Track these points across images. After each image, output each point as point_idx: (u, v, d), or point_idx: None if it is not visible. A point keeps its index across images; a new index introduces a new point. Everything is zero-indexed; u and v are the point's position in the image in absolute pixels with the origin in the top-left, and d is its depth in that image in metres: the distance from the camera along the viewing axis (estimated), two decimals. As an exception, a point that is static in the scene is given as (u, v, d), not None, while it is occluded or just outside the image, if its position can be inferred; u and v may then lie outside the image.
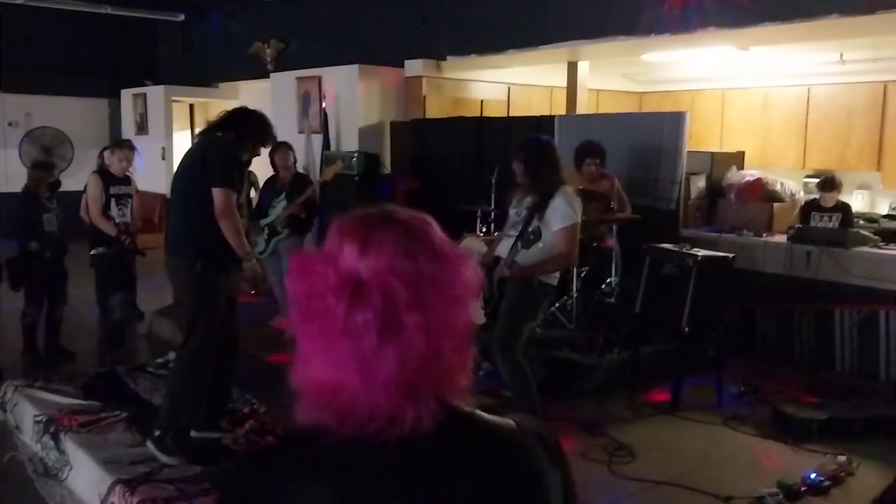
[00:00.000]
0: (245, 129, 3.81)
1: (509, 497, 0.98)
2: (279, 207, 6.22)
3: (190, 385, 3.71)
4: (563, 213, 4.04)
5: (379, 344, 0.91)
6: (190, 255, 3.67)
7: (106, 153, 6.01)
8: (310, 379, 0.95)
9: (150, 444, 3.64)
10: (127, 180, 5.87)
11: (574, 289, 5.47)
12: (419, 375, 0.92)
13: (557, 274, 4.31)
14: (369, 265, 0.92)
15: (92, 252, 5.71)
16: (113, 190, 5.68)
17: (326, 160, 8.08)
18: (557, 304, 5.49)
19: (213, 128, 3.85)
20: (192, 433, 3.83)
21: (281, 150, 6.30)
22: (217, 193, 3.59)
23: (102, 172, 5.82)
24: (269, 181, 6.55)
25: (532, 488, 1.00)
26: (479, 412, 1.01)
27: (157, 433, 3.65)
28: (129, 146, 6.02)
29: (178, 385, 3.74)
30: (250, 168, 8.79)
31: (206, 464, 3.60)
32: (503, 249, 4.22)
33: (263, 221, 6.27)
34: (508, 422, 1.04)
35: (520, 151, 4.24)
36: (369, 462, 0.93)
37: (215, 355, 3.79)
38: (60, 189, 6.11)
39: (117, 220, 5.64)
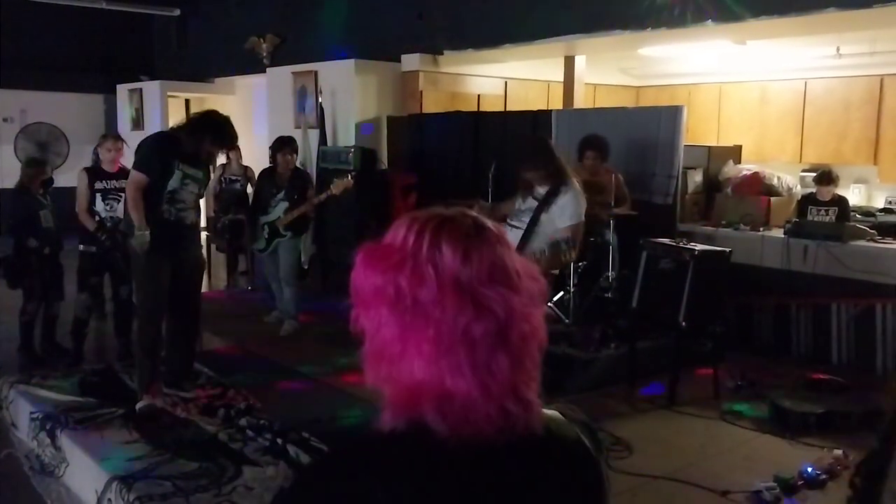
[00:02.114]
0: (195, 128, 4.33)
1: (590, 495, 1.05)
2: (279, 208, 6.18)
3: (140, 350, 4.35)
4: (570, 211, 4.10)
5: (495, 353, 0.92)
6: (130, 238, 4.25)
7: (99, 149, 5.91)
8: (408, 382, 0.93)
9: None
10: (121, 174, 5.59)
11: (571, 283, 5.46)
12: (524, 381, 0.95)
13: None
14: (472, 275, 0.92)
15: (80, 248, 5.62)
16: (99, 185, 5.51)
17: (323, 155, 8.07)
18: (554, 299, 5.48)
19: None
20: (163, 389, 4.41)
21: (286, 150, 6.30)
22: (131, 173, 4.32)
23: (91, 168, 5.70)
24: (266, 174, 6.51)
25: (598, 473, 1.06)
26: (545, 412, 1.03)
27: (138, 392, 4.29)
28: (113, 137, 5.85)
29: (137, 353, 4.43)
30: (247, 164, 8.88)
31: (204, 460, 3.60)
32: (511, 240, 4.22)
33: (264, 219, 6.24)
34: (555, 413, 1.06)
35: (539, 159, 4.30)
36: (480, 467, 0.94)
37: (175, 324, 4.45)
38: (55, 185, 6.08)
39: (103, 216, 5.50)
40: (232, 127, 4.42)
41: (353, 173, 7.22)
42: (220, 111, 4.55)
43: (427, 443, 0.92)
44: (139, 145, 4.37)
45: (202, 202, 5.54)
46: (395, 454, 0.94)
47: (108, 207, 5.52)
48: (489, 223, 0.99)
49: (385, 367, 0.94)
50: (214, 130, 4.32)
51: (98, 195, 5.51)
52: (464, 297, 0.91)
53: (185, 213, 4.33)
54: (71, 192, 6.07)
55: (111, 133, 6.04)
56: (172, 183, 4.23)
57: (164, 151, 4.26)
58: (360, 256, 0.97)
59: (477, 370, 0.91)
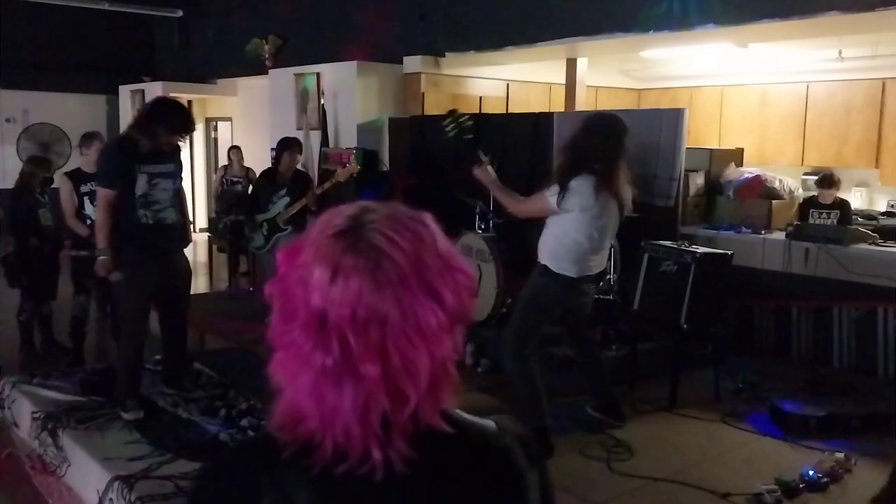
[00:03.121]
0: (145, 124, 4.10)
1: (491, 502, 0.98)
2: (280, 204, 6.18)
3: (125, 356, 4.23)
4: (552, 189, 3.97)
5: (337, 387, 0.88)
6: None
7: (79, 151, 5.73)
8: (282, 395, 0.94)
9: (120, 412, 4.10)
10: None
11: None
12: (382, 421, 0.89)
13: (577, 265, 4.02)
14: (335, 299, 0.88)
15: (71, 253, 5.61)
16: (84, 188, 5.47)
17: (325, 157, 8.08)
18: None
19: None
20: (164, 389, 4.43)
21: (295, 149, 6.29)
22: (98, 191, 4.19)
23: (72, 172, 5.65)
24: (267, 175, 6.50)
25: (513, 490, 0.99)
26: (458, 418, 0.98)
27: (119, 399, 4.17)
28: (99, 137, 5.78)
29: (120, 358, 4.32)
30: (248, 165, 8.86)
31: (204, 460, 3.60)
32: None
33: (262, 217, 6.25)
34: (489, 424, 1.02)
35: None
36: (342, 493, 0.92)
37: (165, 331, 4.41)
38: (57, 186, 6.08)
39: (93, 218, 5.50)
40: (183, 109, 4.21)
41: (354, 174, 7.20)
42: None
43: (276, 455, 0.92)
44: (99, 156, 4.18)
45: (203, 203, 5.51)
46: (257, 458, 0.96)
47: (96, 209, 5.48)
48: (381, 230, 0.90)
49: (276, 378, 0.94)
50: (165, 119, 4.08)
51: (86, 198, 5.48)
52: (312, 325, 0.89)
53: (164, 213, 4.15)
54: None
55: (94, 133, 5.85)
56: (140, 188, 4.05)
57: (122, 159, 4.07)
58: (282, 249, 0.96)
59: (322, 399, 0.89)
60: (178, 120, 4.11)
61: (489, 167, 4.21)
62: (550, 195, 3.96)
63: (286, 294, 0.92)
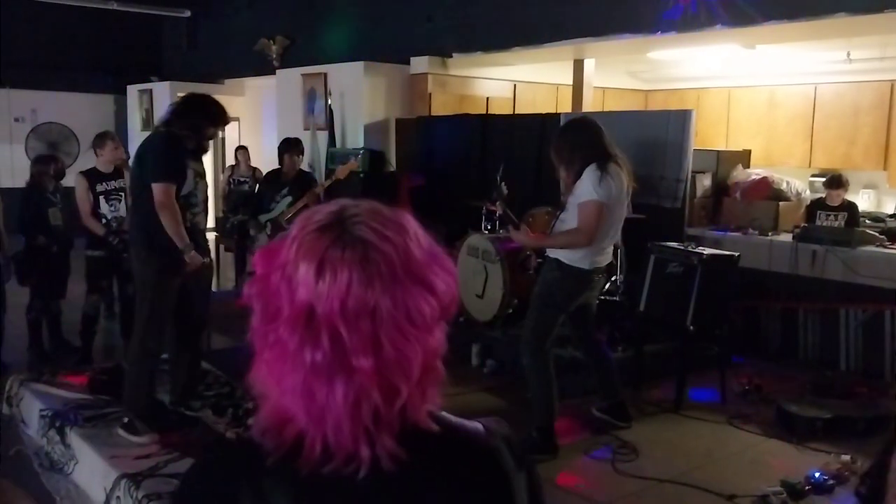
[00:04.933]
0: (188, 117, 3.92)
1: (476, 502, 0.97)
2: (283, 203, 6.21)
3: (138, 369, 3.92)
4: (582, 190, 3.88)
5: (328, 384, 0.87)
6: (143, 248, 3.84)
7: (94, 151, 5.70)
8: (265, 398, 0.93)
9: (121, 432, 3.79)
10: (118, 174, 5.62)
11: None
12: (373, 417, 0.88)
13: (589, 257, 4.02)
14: (322, 293, 0.86)
15: (87, 253, 5.63)
16: (100, 187, 5.49)
17: (331, 157, 8.09)
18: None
19: (160, 123, 4.06)
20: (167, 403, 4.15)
21: (294, 151, 6.31)
22: (155, 188, 3.74)
23: (87, 171, 5.66)
24: (271, 175, 6.53)
25: (500, 492, 0.98)
26: (445, 419, 0.97)
27: (125, 420, 3.85)
28: (111, 136, 5.76)
29: (133, 371, 3.96)
30: (256, 165, 8.87)
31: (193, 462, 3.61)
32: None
33: (265, 217, 6.26)
34: (476, 426, 1.01)
35: (553, 144, 4.07)
36: (327, 496, 0.91)
37: (180, 336, 4.08)
38: (66, 185, 6.11)
39: (109, 217, 5.50)
40: (216, 101, 4.07)
41: (361, 175, 7.25)
42: (228, 110, 4.20)
43: (261, 460, 0.91)
44: (148, 153, 3.88)
45: (211, 203, 5.51)
46: (237, 462, 0.96)
47: (111, 209, 5.53)
48: (367, 223, 0.90)
49: (259, 383, 0.93)
50: (207, 113, 3.96)
51: (101, 197, 5.51)
52: (299, 321, 0.87)
53: (199, 217, 4.03)
54: (77, 191, 6.06)
55: (107, 133, 5.83)
56: (187, 185, 3.88)
57: (179, 154, 3.88)
58: (259, 251, 0.96)
59: (311, 398, 0.87)
60: (219, 112, 3.99)
61: (520, 224, 4.15)
62: (582, 195, 3.89)
63: (267, 294, 0.91)
